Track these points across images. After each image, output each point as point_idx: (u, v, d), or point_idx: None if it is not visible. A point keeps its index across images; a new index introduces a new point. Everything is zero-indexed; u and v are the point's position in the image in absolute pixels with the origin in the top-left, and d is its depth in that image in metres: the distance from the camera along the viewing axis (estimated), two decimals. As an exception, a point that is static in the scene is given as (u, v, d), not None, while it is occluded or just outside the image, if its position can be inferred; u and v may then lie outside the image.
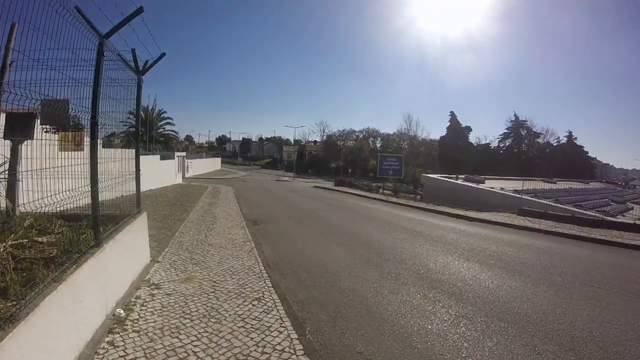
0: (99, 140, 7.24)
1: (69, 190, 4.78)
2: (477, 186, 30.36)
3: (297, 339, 4.43)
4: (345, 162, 71.30)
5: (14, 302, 3.34)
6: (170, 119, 51.35)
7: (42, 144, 5.07)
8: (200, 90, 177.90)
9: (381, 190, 34.82)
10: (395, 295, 6.06)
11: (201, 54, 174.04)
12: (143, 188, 20.69)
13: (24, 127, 5.44)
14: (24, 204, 5.10)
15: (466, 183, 31.88)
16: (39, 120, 5.43)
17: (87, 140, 5.33)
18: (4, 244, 4.50)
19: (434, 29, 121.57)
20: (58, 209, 4.90)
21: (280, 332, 4.57)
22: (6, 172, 5.24)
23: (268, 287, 6.09)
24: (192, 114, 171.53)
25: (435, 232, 12.12)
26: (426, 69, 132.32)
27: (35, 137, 5.39)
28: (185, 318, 4.84)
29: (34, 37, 3.78)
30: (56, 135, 5.47)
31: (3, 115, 5.46)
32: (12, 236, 4.82)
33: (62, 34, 4.17)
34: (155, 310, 5.07)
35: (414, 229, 12.50)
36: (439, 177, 34.98)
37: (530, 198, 24.86)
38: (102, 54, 4.81)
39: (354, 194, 28.26)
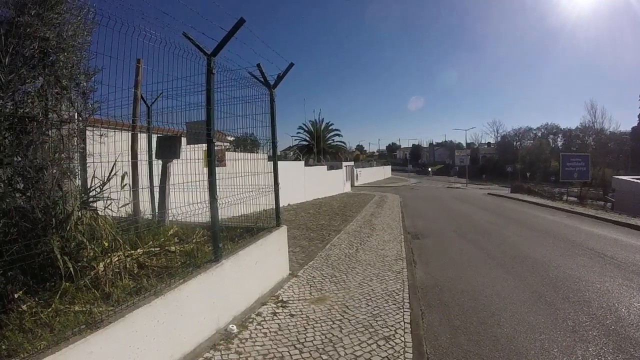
0: (264, 155, 7.50)
1: (202, 202, 4.86)
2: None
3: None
4: (522, 165, 61.48)
5: (111, 308, 3.33)
6: (338, 130, 53.99)
7: (187, 162, 5.27)
8: (368, 100, 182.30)
9: (565, 197, 28.12)
10: (569, 358, 4.19)
11: (369, 64, 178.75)
12: (308, 198, 21.71)
13: (172, 148, 5.72)
14: (172, 214, 5.36)
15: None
16: (184, 140, 5.67)
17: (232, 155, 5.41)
18: (135, 251, 4.64)
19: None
20: (202, 219, 4.97)
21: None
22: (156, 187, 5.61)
23: (405, 323, 4.97)
24: (362, 124, 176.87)
25: (633, 258, 8.66)
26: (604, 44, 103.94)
27: (181, 157, 5.68)
28: (296, 348, 4.27)
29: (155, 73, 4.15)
30: (201, 153, 5.56)
31: (154, 138, 5.94)
32: (149, 243, 4.99)
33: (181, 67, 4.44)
34: (270, 332, 4.66)
35: (603, 253, 9.13)
36: (635, 180, 25.97)
37: None
38: (211, 72, 4.71)
39: (532, 203, 23.55)
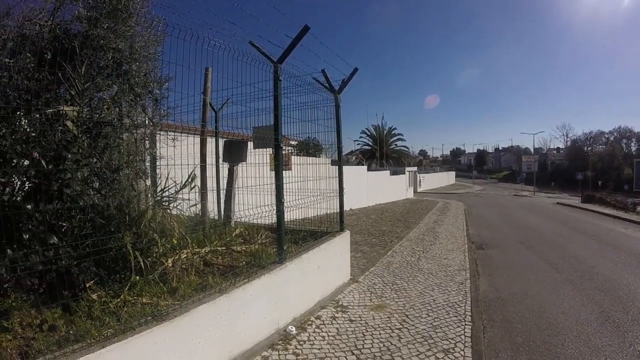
0: (327, 159, 7.49)
1: (267, 205, 4.87)
2: None
3: None
4: (593, 171, 54.86)
5: (177, 302, 3.44)
6: (401, 134, 51.59)
7: (254, 165, 5.37)
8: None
9: (639, 209, 24.24)
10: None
11: (431, 70, 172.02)
12: (371, 203, 21.24)
13: (238, 152, 5.85)
14: (237, 215, 5.48)
15: None
16: (251, 144, 5.78)
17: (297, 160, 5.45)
18: (202, 249, 4.79)
19: None
20: (266, 221, 5.05)
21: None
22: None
23: (465, 336, 4.61)
24: (425, 128, 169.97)
25: None
26: None
27: (247, 160, 5.80)
28: (353, 354, 4.12)
29: (222, 80, 4.19)
30: (268, 157, 5.65)
31: (221, 143, 6.12)
32: (215, 242, 5.13)
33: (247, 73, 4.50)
34: (328, 335, 4.56)
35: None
36: None
37: None
38: (278, 79, 4.76)
39: (604, 214, 20.75)
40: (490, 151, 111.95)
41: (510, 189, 53.06)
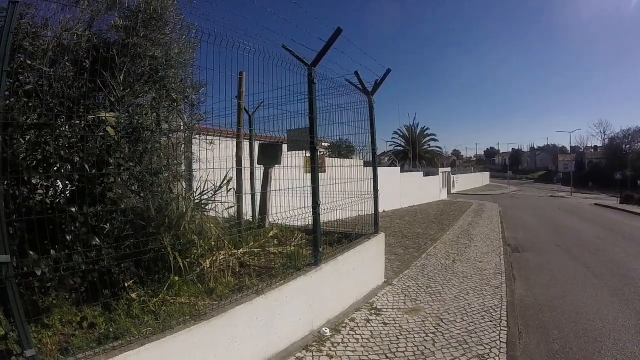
0: (360, 161, 7.39)
1: (307, 207, 4.84)
2: None
3: None
4: (632, 171, 50.76)
5: (215, 302, 3.46)
6: (434, 135, 49.86)
7: (288, 167, 5.35)
8: (466, 104, 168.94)
9: None
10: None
11: (465, 70, 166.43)
12: (404, 205, 20.73)
13: (273, 154, 5.85)
14: (273, 217, 5.48)
15: None
16: (286, 147, 5.77)
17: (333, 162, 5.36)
18: (238, 251, 4.81)
19: None
20: (300, 223, 5.03)
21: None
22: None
23: (501, 342, 4.39)
24: (458, 128, 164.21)
25: None
26: None
27: (282, 163, 5.79)
28: (387, 357, 4.01)
29: (256, 84, 4.25)
30: (302, 159, 5.62)
31: (256, 145, 6.14)
32: (251, 244, 5.14)
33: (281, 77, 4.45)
34: (362, 338, 4.46)
35: None
36: None
37: None
38: (312, 82, 4.72)
39: None
40: (526, 150, 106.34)
41: (547, 189, 50.43)
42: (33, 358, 2.21)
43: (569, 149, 77.26)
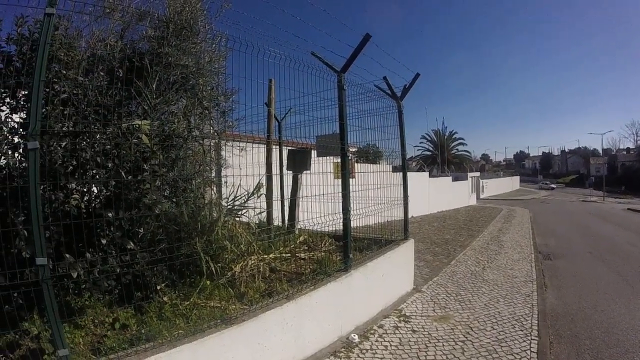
0: (388, 166, 7.24)
1: (336, 213, 4.76)
2: None
3: None
4: None
5: (245, 307, 3.43)
6: (462, 139, 48.34)
7: (317, 173, 5.29)
8: (493, 106, 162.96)
9: None
10: None
11: (492, 71, 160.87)
12: (433, 210, 20.10)
13: (302, 160, 5.81)
14: (302, 223, 5.42)
15: None
16: (315, 153, 5.72)
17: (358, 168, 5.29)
18: (268, 256, 4.76)
19: None
20: (329, 228, 4.95)
21: None
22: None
23: (531, 352, 4.14)
24: (487, 132, 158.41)
25: None
26: None
27: (311, 169, 5.73)
28: None
29: (285, 90, 4.15)
30: (331, 165, 5.55)
31: (285, 151, 6.10)
32: (280, 249, 5.09)
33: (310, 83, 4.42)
34: (391, 345, 4.29)
35: None
36: None
37: None
38: (342, 89, 4.65)
39: None
40: (556, 154, 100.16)
41: (578, 194, 47.53)
42: (66, 357, 2.22)
43: (600, 151, 73.17)
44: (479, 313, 5.26)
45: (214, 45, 3.53)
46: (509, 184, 51.17)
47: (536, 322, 4.98)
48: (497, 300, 5.79)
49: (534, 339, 4.45)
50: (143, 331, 2.73)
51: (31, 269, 2.23)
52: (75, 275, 2.40)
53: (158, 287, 3.11)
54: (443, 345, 4.28)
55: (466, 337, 4.48)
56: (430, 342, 4.34)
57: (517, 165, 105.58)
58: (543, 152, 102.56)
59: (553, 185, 51.02)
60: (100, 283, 2.62)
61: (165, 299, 3.16)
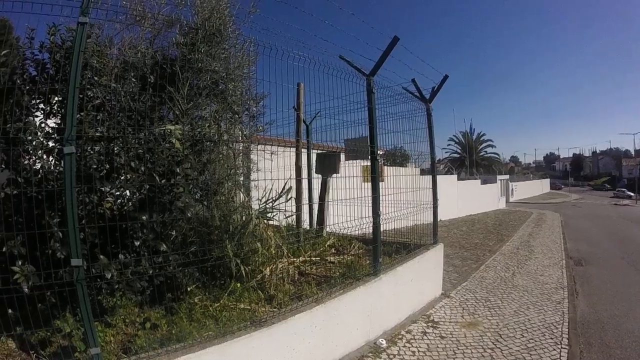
0: (416, 169, 7.06)
1: (364, 217, 4.66)
2: None
3: None
4: None
5: (275, 309, 3.39)
6: (491, 140, 46.06)
7: (345, 177, 5.21)
8: (523, 108, 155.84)
9: None
10: None
11: (519, 70, 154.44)
12: (461, 214, 19.41)
13: (331, 164, 5.74)
14: (331, 227, 5.34)
15: None
16: (343, 156, 5.64)
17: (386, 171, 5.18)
18: (297, 259, 4.70)
19: None
20: (357, 232, 4.85)
21: None
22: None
23: None
24: (516, 134, 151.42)
25: None
26: None
27: (340, 172, 5.65)
28: None
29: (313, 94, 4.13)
30: (359, 168, 5.46)
31: (314, 155, 6.03)
32: (309, 252, 5.02)
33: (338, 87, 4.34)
34: (419, 351, 4.16)
35: None
36: None
37: None
38: (371, 92, 4.54)
39: None
40: (587, 155, 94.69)
41: (608, 197, 45.04)
42: (98, 356, 2.23)
43: (632, 152, 68.40)
44: (509, 320, 5.03)
45: (242, 51, 3.53)
46: (539, 186, 48.47)
47: (567, 330, 4.74)
48: (527, 307, 5.51)
49: (564, 348, 4.23)
50: (173, 331, 2.72)
51: (66, 269, 2.26)
52: (109, 276, 2.42)
53: (189, 289, 3.11)
54: (471, 352, 4.12)
55: (495, 345, 4.29)
56: (458, 349, 4.18)
57: (547, 167, 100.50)
58: (574, 153, 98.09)
59: (631, 193, 45.60)
60: (133, 284, 2.63)
61: (195, 300, 3.15)
